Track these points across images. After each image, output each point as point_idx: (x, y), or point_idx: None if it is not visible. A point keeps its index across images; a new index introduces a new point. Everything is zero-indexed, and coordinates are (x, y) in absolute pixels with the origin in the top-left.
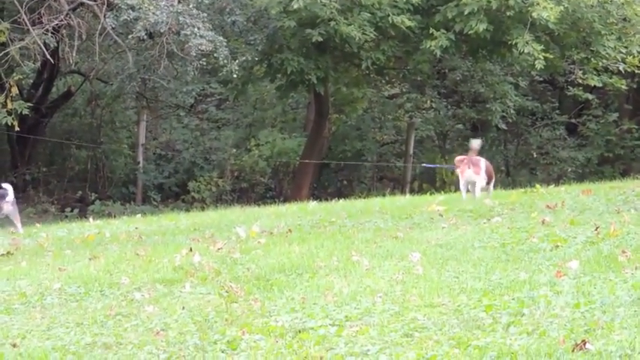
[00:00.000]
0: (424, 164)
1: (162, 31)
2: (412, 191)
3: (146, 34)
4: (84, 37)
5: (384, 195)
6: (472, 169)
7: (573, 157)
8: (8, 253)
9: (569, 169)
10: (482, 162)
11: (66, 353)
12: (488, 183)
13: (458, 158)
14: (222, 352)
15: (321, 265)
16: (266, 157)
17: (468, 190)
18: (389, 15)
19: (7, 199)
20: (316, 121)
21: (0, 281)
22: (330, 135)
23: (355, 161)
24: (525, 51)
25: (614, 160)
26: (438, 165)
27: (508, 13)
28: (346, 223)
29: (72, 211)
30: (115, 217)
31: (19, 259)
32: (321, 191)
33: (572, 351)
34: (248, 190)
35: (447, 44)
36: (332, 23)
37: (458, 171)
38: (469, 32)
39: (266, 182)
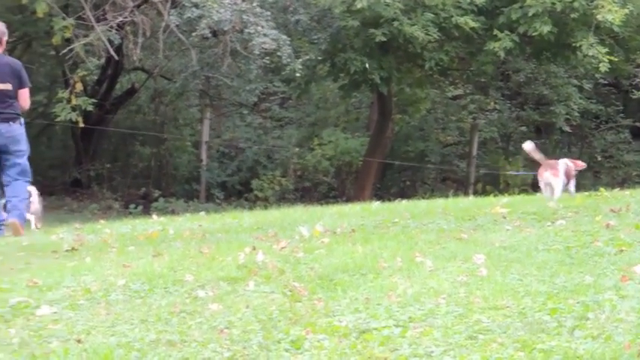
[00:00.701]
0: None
1: (225, 29)
2: (475, 193)
3: (210, 32)
4: (148, 34)
5: (447, 196)
6: (549, 172)
7: (638, 161)
8: (73, 248)
9: (634, 173)
10: (561, 164)
11: (130, 350)
12: (567, 184)
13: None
14: (286, 351)
15: (384, 266)
16: (329, 156)
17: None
18: (452, 16)
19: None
20: (379, 121)
21: (65, 277)
22: (393, 135)
23: (418, 162)
24: (589, 53)
25: None
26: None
27: (572, 16)
28: (409, 224)
29: (136, 207)
30: (178, 214)
31: (83, 254)
32: (384, 191)
33: (638, 356)
34: (311, 189)
35: (511, 46)
36: (395, 23)
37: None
38: (533, 34)
39: (329, 181)
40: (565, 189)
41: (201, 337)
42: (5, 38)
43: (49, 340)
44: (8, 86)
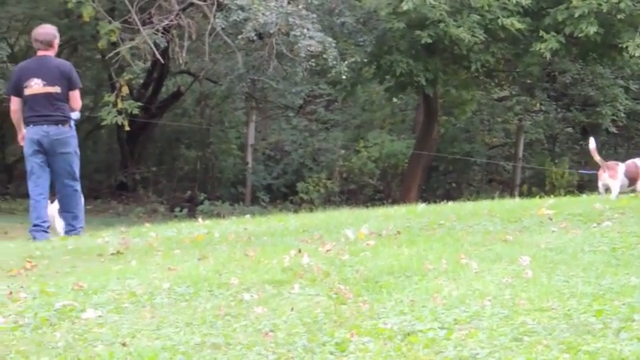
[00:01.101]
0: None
1: (271, 31)
2: (521, 194)
3: (256, 34)
4: (194, 37)
5: (492, 198)
6: (608, 173)
7: None
8: (118, 252)
9: None
10: (621, 166)
11: (175, 353)
12: (630, 185)
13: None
14: (331, 354)
15: (429, 268)
16: (374, 158)
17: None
18: (498, 17)
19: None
20: (425, 123)
21: (110, 280)
22: (439, 137)
23: (464, 164)
24: (636, 54)
25: None
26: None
27: (619, 16)
28: (455, 226)
29: (181, 210)
30: (223, 217)
31: (128, 258)
32: (430, 193)
33: None
34: (356, 192)
35: (557, 47)
36: (441, 25)
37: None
38: (579, 35)
39: (374, 184)
40: (632, 189)
41: (246, 340)
42: (56, 41)
43: (94, 343)
44: (57, 89)
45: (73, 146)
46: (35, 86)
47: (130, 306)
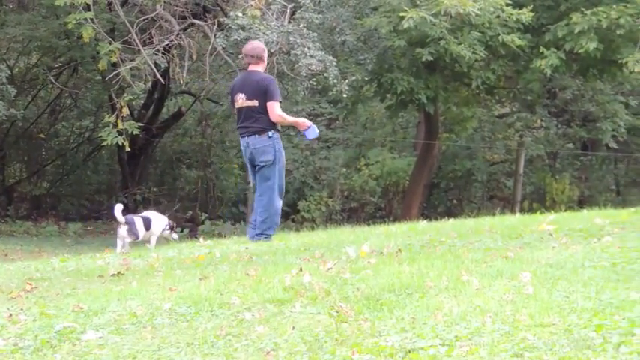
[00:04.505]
0: None
1: (272, 51)
2: (522, 211)
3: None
4: (194, 57)
5: (493, 214)
6: None
7: None
8: (119, 273)
9: None
10: None
11: None
12: None
13: None
14: None
15: (430, 285)
16: (376, 176)
17: None
18: (499, 34)
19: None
20: (426, 141)
21: (111, 301)
22: (440, 154)
23: (465, 181)
24: (635, 70)
25: None
26: None
27: (618, 32)
28: (456, 243)
29: (182, 231)
30: (225, 236)
31: (129, 279)
32: (431, 211)
33: None
34: (358, 210)
35: (557, 63)
36: (442, 42)
37: None
38: (579, 51)
39: (376, 202)
40: None
41: (248, 359)
42: (265, 55)
43: None
44: (255, 102)
45: (272, 154)
46: (240, 100)
47: (131, 327)
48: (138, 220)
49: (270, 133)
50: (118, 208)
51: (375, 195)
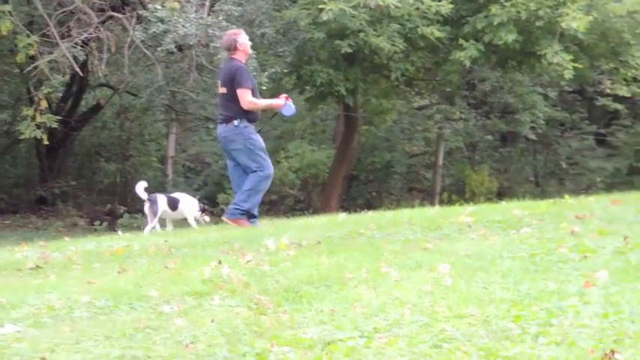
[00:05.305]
0: None
1: (191, 43)
2: (441, 202)
3: (175, 46)
4: (113, 49)
5: (413, 206)
6: None
7: (602, 168)
8: (37, 266)
9: (598, 179)
10: None
11: None
12: None
13: None
14: None
15: (349, 277)
16: (295, 169)
17: None
18: (418, 26)
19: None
20: (345, 133)
21: (29, 295)
22: (359, 147)
23: (384, 173)
24: (554, 61)
25: None
26: None
27: (537, 24)
28: (375, 235)
29: (101, 224)
30: (144, 230)
31: (47, 272)
32: (351, 203)
33: None
34: (277, 203)
35: (477, 55)
36: (361, 34)
37: None
38: (498, 43)
39: (295, 194)
40: None
41: (167, 352)
42: (238, 44)
43: (12, 359)
44: (224, 90)
45: (240, 143)
46: (218, 88)
47: (49, 320)
48: (161, 198)
49: (236, 122)
50: (141, 185)
51: (295, 187)
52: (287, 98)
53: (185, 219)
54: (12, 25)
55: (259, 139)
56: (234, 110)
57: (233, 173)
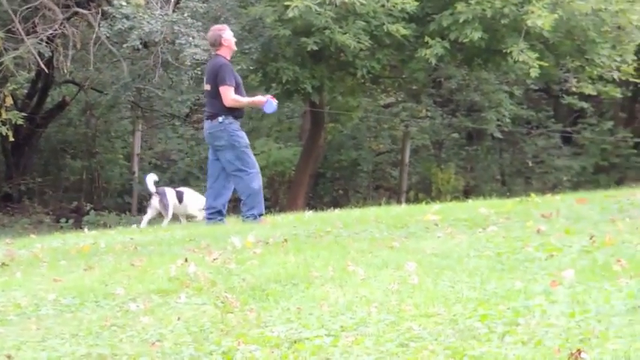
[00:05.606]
0: None
1: (156, 40)
2: (408, 200)
3: (141, 43)
4: (78, 46)
5: (379, 204)
6: None
7: (568, 166)
8: (3, 264)
9: (565, 178)
10: None
11: None
12: None
13: None
14: None
15: (316, 275)
16: (261, 166)
17: None
18: (384, 23)
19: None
20: (311, 131)
21: None
22: (326, 144)
23: (351, 171)
24: (520, 59)
25: (609, 169)
26: None
27: (503, 22)
28: (342, 233)
29: (67, 221)
30: (110, 227)
31: (13, 270)
32: (317, 201)
33: None
34: None
35: (442, 52)
36: (327, 32)
37: None
38: (464, 40)
39: None
40: None
41: (133, 350)
42: (223, 39)
43: None
44: (208, 87)
45: (225, 139)
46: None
47: (15, 318)
48: (170, 192)
49: (220, 119)
50: (150, 179)
51: None
52: (272, 97)
53: (188, 214)
54: None
55: (244, 136)
56: (219, 107)
57: (211, 166)
